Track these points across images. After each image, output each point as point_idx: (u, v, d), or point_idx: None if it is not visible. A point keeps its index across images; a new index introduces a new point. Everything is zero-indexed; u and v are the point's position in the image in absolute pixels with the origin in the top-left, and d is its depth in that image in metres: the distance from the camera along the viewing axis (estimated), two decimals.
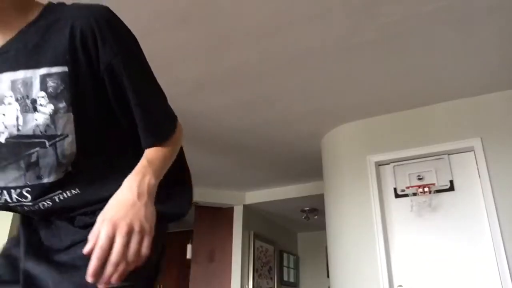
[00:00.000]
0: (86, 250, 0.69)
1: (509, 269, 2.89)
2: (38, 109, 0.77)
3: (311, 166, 4.72)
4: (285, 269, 6.91)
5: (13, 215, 2.59)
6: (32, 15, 0.82)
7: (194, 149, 4.42)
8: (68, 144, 0.79)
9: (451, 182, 3.31)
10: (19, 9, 0.81)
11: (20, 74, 0.77)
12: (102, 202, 0.77)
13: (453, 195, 3.28)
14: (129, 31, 0.85)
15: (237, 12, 2.49)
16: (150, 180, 0.79)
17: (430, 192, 3.32)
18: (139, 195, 0.76)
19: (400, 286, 3.25)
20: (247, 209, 5.98)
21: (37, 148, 0.78)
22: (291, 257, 7.20)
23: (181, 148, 0.96)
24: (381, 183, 3.57)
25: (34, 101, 0.76)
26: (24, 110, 0.77)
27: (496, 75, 3.14)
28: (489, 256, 3.02)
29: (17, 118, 0.77)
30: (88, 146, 0.81)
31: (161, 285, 7.54)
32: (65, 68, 0.77)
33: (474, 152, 3.27)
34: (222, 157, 4.71)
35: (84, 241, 0.73)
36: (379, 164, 3.63)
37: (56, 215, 0.85)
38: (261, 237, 6.25)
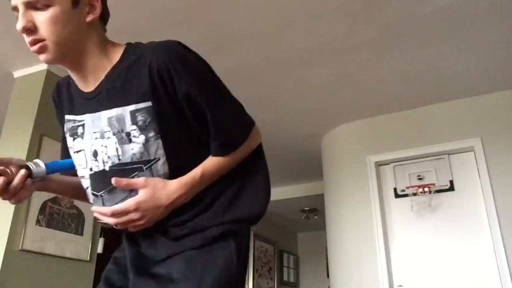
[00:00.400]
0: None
1: (509, 268, 2.89)
2: (132, 140, 0.90)
3: (311, 166, 4.72)
4: (285, 269, 6.91)
5: (13, 215, 2.59)
6: (116, 57, 0.95)
7: None
8: (160, 166, 0.92)
9: (451, 182, 3.31)
10: (105, 54, 0.95)
11: (114, 112, 0.91)
12: (187, 212, 0.94)
13: (453, 195, 3.28)
14: (199, 59, 0.99)
15: (237, 12, 2.49)
16: (185, 198, 0.93)
17: (430, 192, 3.32)
18: (169, 205, 0.92)
19: (400, 286, 3.25)
20: None
21: (137, 172, 0.91)
22: (291, 257, 7.20)
23: (260, 147, 1.08)
24: (381, 183, 3.57)
25: (128, 134, 0.90)
26: (121, 142, 0.90)
27: (496, 75, 3.14)
28: (489, 256, 3.02)
29: (117, 149, 0.91)
30: (177, 164, 0.93)
31: None
32: (149, 103, 0.89)
33: (474, 152, 3.27)
34: None
35: (177, 254, 0.91)
36: (379, 164, 3.63)
37: (152, 227, 0.95)
38: (261, 237, 6.25)
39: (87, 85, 0.95)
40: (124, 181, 0.89)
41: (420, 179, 3.43)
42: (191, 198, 0.94)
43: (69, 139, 1.03)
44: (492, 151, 3.19)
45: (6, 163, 0.99)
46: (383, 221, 3.43)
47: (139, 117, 0.89)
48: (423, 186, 3.35)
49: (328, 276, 4.08)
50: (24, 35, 0.89)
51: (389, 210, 3.49)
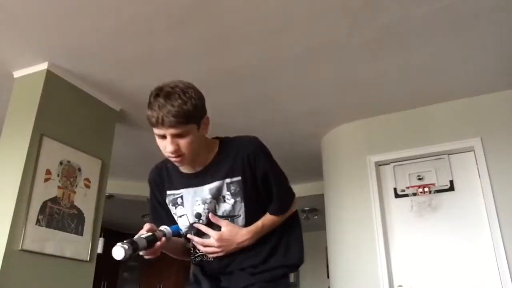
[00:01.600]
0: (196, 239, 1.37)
1: (509, 268, 2.89)
2: (226, 201, 1.34)
3: (311, 166, 4.71)
4: None
5: (13, 215, 2.60)
6: (214, 149, 1.38)
7: None
8: (240, 220, 1.35)
9: (451, 182, 3.31)
10: (208, 149, 1.37)
11: (215, 184, 1.34)
12: (258, 257, 1.37)
13: (453, 195, 3.28)
14: (268, 151, 1.42)
15: (237, 12, 2.49)
16: (250, 241, 1.35)
17: (430, 192, 3.32)
18: (239, 243, 1.34)
19: (400, 286, 3.25)
20: None
21: None
22: None
23: (296, 213, 1.56)
24: (381, 183, 3.57)
25: (224, 197, 1.34)
26: (218, 201, 1.34)
27: (496, 75, 3.14)
28: (489, 255, 3.02)
29: (215, 205, 1.35)
30: (250, 219, 1.35)
31: (161, 285, 7.54)
32: (240, 178, 1.33)
33: (474, 152, 3.26)
34: None
35: (252, 285, 1.32)
36: (379, 164, 3.63)
37: (233, 267, 1.37)
38: None
39: (193, 169, 1.37)
40: (215, 218, 1.33)
41: (420, 179, 3.43)
42: (256, 243, 1.36)
43: (171, 208, 1.41)
44: (492, 151, 3.19)
45: (153, 229, 1.31)
46: (383, 221, 3.43)
47: (232, 187, 1.33)
48: (423, 186, 3.35)
49: (328, 276, 4.08)
50: (169, 153, 1.28)
51: (389, 210, 3.48)
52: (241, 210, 1.33)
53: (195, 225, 1.36)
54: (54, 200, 2.83)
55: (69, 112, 3.09)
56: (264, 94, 3.42)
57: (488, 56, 2.92)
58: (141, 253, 1.27)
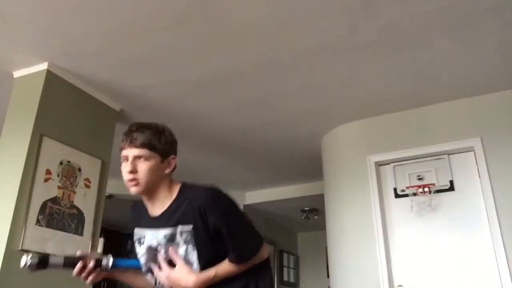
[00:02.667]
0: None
1: (509, 268, 2.89)
2: (180, 247, 1.34)
3: (311, 166, 4.71)
4: (285, 269, 6.91)
5: (13, 215, 2.60)
6: (174, 194, 1.40)
7: (194, 149, 4.42)
8: (195, 266, 1.33)
9: (451, 182, 3.31)
10: (169, 191, 1.41)
11: (169, 230, 1.35)
12: None
13: (453, 195, 3.28)
14: (226, 200, 1.38)
15: (237, 12, 2.49)
16: None
17: (430, 192, 3.32)
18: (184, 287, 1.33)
19: (400, 286, 3.25)
20: (247, 209, 5.97)
21: None
22: (291, 257, 7.20)
23: (267, 261, 1.50)
24: (381, 183, 3.57)
25: (178, 243, 1.34)
26: (173, 246, 1.34)
27: (496, 75, 3.14)
28: (489, 255, 3.02)
29: (165, 253, 1.35)
30: (206, 266, 1.33)
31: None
32: (191, 226, 1.32)
33: (474, 152, 3.26)
34: (222, 157, 4.71)
35: None
36: (379, 164, 3.62)
37: None
38: None
39: (154, 211, 1.41)
40: (174, 254, 1.35)
41: (420, 179, 3.43)
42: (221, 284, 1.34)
43: (136, 245, 1.46)
44: (492, 151, 3.19)
45: (89, 255, 1.43)
46: (383, 221, 3.43)
47: (184, 234, 1.33)
48: (423, 186, 3.35)
49: (328, 276, 4.08)
50: (127, 174, 1.35)
51: (389, 210, 3.48)
52: (194, 257, 1.33)
53: (159, 255, 1.38)
54: (54, 200, 2.83)
55: (69, 112, 3.09)
56: (264, 94, 3.42)
57: (488, 56, 2.92)
58: (74, 273, 1.46)
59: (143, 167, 1.35)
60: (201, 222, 1.32)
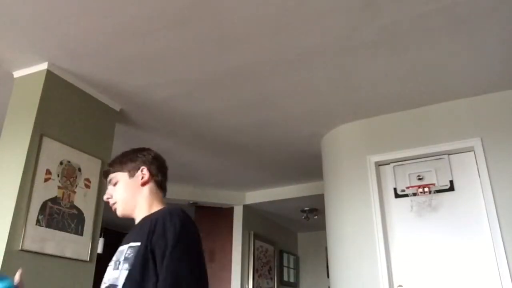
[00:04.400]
0: None
1: (509, 269, 2.89)
2: (118, 268, 1.23)
3: (311, 166, 4.72)
4: (285, 269, 6.91)
5: (13, 215, 2.59)
6: (151, 211, 1.36)
7: (194, 149, 4.42)
8: None
9: (451, 182, 3.31)
10: (147, 210, 1.38)
11: (124, 247, 1.28)
12: None
13: (453, 195, 3.28)
14: (184, 225, 1.22)
15: (237, 12, 2.49)
16: None
17: (430, 192, 3.32)
18: None
19: (400, 286, 3.25)
20: (247, 209, 5.98)
21: None
22: (291, 257, 7.20)
23: None
24: (381, 183, 3.57)
25: (119, 263, 1.24)
26: (114, 268, 1.25)
27: (496, 75, 3.14)
28: (489, 256, 3.02)
29: (109, 273, 1.26)
30: None
31: None
32: (139, 244, 1.22)
33: (474, 152, 3.26)
34: (222, 157, 4.71)
35: None
36: (379, 164, 3.63)
37: None
38: (261, 237, 6.24)
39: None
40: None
41: (420, 179, 3.43)
42: None
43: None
44: (492, 151, 3.19)
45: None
46: (383, 221, 3.43)
47: (129, 251, 1.23)
48: (423, 186, 3.35)
49: (328, 276, 4.08)
50: (107, 201, 1.42)
51: (389, 210, 3.48)
52: (120, 280, 1.19)
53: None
54: (54, 200, 2.83)
55: (69, 112, 3.09)
56: (264, 94, 3.42)
57: (488, 56, 2.92)
58: None
59: (114, 189, 1.43)
60: (145, 239, 1.21)
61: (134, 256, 1.20)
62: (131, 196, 1.40)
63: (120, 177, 1.42)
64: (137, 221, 1.40)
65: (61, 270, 2.81)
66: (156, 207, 1.39)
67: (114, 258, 1.30)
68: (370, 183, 3.55)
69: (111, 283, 1.22)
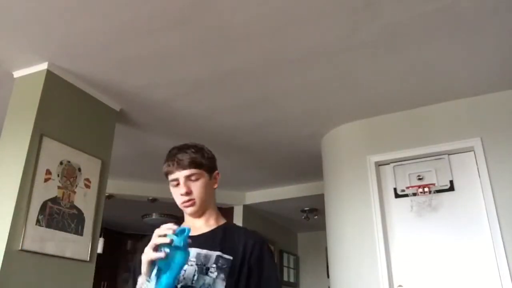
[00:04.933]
0: None
1: (509, 269, 2.89)
2: (208, 274, 1.25)
3: (311, 166, 4.71)
4: (285, 269, 6.91)
5: (13, 215, 2.59)
6: (220, 222, 1.41)
7: None
8: None
9: (451, 182, 3.31)
10: (215, 215, 1.42)
11: (204, 251, 1.29)
12: None
13: (453, 195, 3.28)
14: (272, 253, 1.38)
15: (237, 12, 2.49)
16: None
17: (430, 192, 3.32)
18: None
19: (400, 286, 3.25)
20: (247, 209, 5.98)
21: None
22: (291, 257, 7.20)
23: None
24: (381, 183, 3.57)
25: (207, 269, 1.25)
26: (200, 272, 1.25)
27: (496, 75, 3.14)
28: (489, 256, 3.02)
29: (194, 276, 1.24)
30: None
31: None
32: (231, 257, 1.28)
33: (474, 152, 3.26)
34: (222, 157, 4.67)
35: None
36: (379, 164, 3.62)
37: None
38: None
39: (194, 231, 1.32)
40: None
41: (420, 179, 3.43)
42: None
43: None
44: (492, 151, 3.19)
45: None
46: (383, 221, 3.43)
47: (221, 261, 1.27)
48: (423, 186, 3.35)
49: (328, 276, 4.08)
50: (183, 196, 1.35)
51: (389, 210, 3.48)
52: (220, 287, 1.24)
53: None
54: (54, 200, 2.83)
55: (69, 112, 3.09)
56: (264, 94, 3.42)
57: (488, 56, 2.92)
58: None
59: (196, 186, 1.36)
60: (241, 257, 1.28)
61: (229, 269, 1.26)
62: (208, 197, 1.40)
63: (202, 175, 1.37)
64: (201, 223, 1.39)
65: (61, 270, 2.81)
66: (221, 216, 1.44)
67: (192, 259, 1.26)
68: (370, 183, 3.55)
69: (204, 287, 1.24)
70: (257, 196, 5.89)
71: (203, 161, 1.38)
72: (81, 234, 2.96)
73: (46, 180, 2.80)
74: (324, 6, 2.44)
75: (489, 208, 3.07)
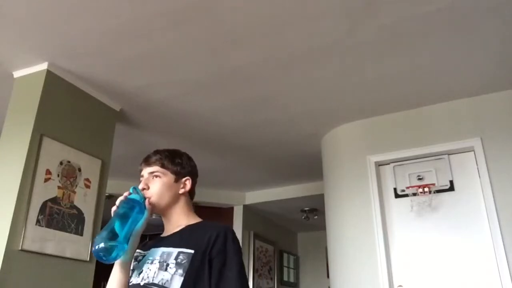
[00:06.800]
0: None
1: (509, 269, 2.89)
2: (167, 269, 1.27)
3: (311, 166, 4.72)
4: (285, 269, 6.91)
5: (13, 215, 2.59)
6: (190, 221, 1.41)
7: (194, 149, 4.41)
8: None
9: (451, 182, 3.31)
10: (185, 217, 1.42)
11: (169, 249, 1.32)
12: None
13: (453, 195, 3.28)
14: (238, 243, 1.33)
15: (237, 12, 2.49)
16: None
17: (430, 192, 3.32)
18: None
19: (400, 286, 3.25)
20: (247, 209, 5.98)
21: None
22: (291, 257, 7.20)
23: None
24: (381, 183, 3.57)
25: (167, 265, 1.28)
26: (160, 268, 1.28)
27: (496, 75, 3.14)
28: (489, 255, 3.02)
29: (154, 273, 1.29)
30: None
31: None
32: (192, 251, 1.28)
33: (474, 152, 3.26)
34: (222, 157, 4.71)
35: None
36: (379, 164, 3.62)
37: None
38: (261, 237, 6.25)
39: (166, 233, 1.42)
40: None
41: (420, 179, 3.43)
42: None
43: (132, 265, 1.40)
44: (492, 151, 3.19)
45: None
46: (383, 221, 3.43)
47: (180, 256, 1.28)
48: (423, 186, 3.35)
49: (328, 276, 4.08)
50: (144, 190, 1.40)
51: (389, 210, 3.48)
52: (177, 284, 1.24)
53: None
54: (54, 200, 2.83)
55: (69, 112, 3.09)
56: (264, 94, 3.42)
57: (488, 56, 2.92)
58: None
59: (155, 183, 1.40)
60: (203, 250, 1.28)
61: (188, 263, 1.26)
62: (169, 197, 1.41)
63: (165, 174, 1.42)
64: (170, 225, 1.42)
65: (61, 270, 2.81)
66: (194, 217, 1.44)
67: (157, 257, 1.31)
68: (370, 183, 3.55)
69: (161, 283, 1.25)
70: (257, 196, 5.89)
71: (170, 164, 1.43)
72: (81, 234, 2.96)
73: (46, 180, 2.80)
74: (324, 6, 2.44)
75: (489, 208, 3.07)
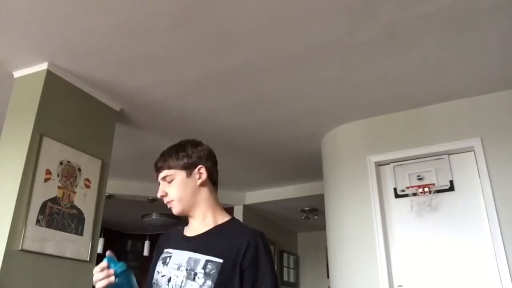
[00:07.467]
0: None
1: (509, 269, 2.89)
2: (195, 280, 1.22)
3: (311, 166, 4.71)
4: (285, 269, 6.91)
5: (13, 215, 2.59)
6: (220, 221, 1.35)
7: None
8: None
9: (451, 182, 3.31)
10: (212, 210, 1.37)
11: (195, 255, 1.26)
12: None
13: (453, 195, 3.28)
14: (269, 251, 1.28)
15: (236, 12, 2.49)
16: None
17: (430, 192, 3.32)
18: None
19: (400, 286, 3.25)
20: (247, 209, 5.98)
21: None
22: (291, 257, 7.20)
23: None
24: (381, 183, 3.57)
25: (195, 274, 1.23)
26: (188, 277, 1.23)
27: (496, 75, 3.14)
28: (489, 256, 3.02)
29: (182, 282, 1.23)
30: None
31: None
32: (221, 260, 1.22)
33: (474, 152, 3.26)
34: (222, 157, 4.65)
35: None
36: (379, 164, 3.62)
37: None
38: None
39: (191, 232, 1.36)
40: None
41: (420, 179, 3.43)
42: None
43: (159, 265, 1.35)
44: (492, 151, 3.19)
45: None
46: (383, 221, 3.43)
47: (209, 266, 1.22)
48: (423, 186, 3.35)
49: (328, 276, 4.08)
50: (161, 198, 1.37)
51: (389, 210, 3.48)
52: None
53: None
54: (54, 200, 2.83)
55: (69, 112, 3.09)
56: (264, 94, 3.42)
57: (488, 56, 2.92)
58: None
59: (170, 187, 1.36)
60: (233, 259, 1.22)
61: (217, 274, 1.20)
62: (190, 194, 1.35)
63: (176, 174, 1.36)
64: (196, 221, 1.37)
65: (61, 270, 2.81)
66: (221, 212, 1.39)
67: (184, 264, 1.26)
68: (370, 183, 3.55)
69: None
70: (257, 196, 5.89)
71: (175, 161, 1.36)
72: (81, 234, 2.96)
73: (46, 180, 2.80)
74: (324, 5, 2.44)
75: (489, 208, 3.07)
